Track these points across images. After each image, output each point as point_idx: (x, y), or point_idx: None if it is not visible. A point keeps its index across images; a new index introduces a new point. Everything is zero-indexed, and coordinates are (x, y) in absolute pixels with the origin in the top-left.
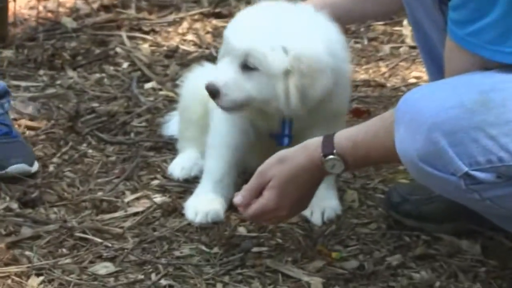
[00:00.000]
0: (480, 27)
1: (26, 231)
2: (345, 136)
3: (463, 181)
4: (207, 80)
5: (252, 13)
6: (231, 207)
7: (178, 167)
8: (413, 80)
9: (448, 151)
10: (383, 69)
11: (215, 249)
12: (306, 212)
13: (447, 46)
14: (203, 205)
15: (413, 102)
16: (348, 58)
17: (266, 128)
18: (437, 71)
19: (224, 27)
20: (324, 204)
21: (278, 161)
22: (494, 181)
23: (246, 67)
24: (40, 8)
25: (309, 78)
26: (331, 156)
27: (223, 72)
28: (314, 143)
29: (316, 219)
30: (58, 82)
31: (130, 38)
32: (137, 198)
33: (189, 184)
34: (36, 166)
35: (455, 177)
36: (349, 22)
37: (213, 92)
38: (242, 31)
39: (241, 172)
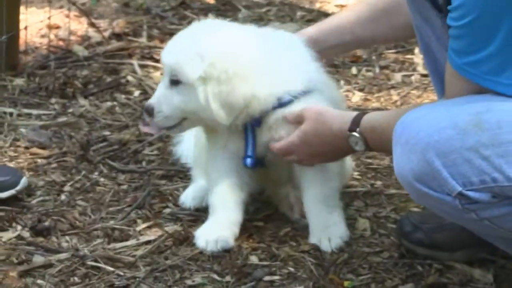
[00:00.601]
0: (477, 59)
1: (38, 260)
2: (369, 117)
3: (459, 201)
4: (147, 102)
5: (181, 32)
6: (242, 235)
7: (190, 196)
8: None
9: (442, 171)
10: (395, 97)
11: (227, 278)
12: (314, 240)
13: (447, 70)
14: (212, 233)
15: (408, 123)
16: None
17: (235, 150)
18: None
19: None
20: (330, 231)
21: (318, 112)
22: (490, 201)
23: (173, 81)
24: (52, 36)
25: (227, 85)
26: (354, 133)
27: (158, 92)
28: (350, 115)
29: (325, 246)
30: (70, 110)
31: (142, 66)
32: (149, 227)
33: (201, 212)
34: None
35: (450, 197)
36: (357, 47)
37: (149, 111)
38: (168, 48)
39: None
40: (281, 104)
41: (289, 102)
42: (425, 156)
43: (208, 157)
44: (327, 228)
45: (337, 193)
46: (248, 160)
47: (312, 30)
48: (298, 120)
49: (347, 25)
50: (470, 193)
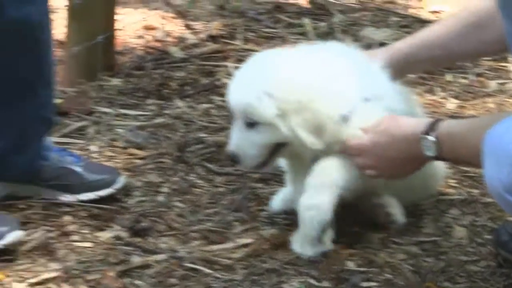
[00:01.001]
0: None
1: (136, 260)
2: (448, 124)
3: None
4: (227, 150)
5: (242, 70)
6: (339, 241)
7: (279, 200)
8: None
9: None
10: (490, 105)
11: (324, 283)
12: (387, 202)
13: None
14: (310, 238)
15: (498, 136)
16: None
17: None
18: None
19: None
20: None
21: (393, 116)
22: None
23: (249, 124)
24: (148, 37)
25: (308, 113)
26: (428, 137)
27: (234, 138)
28: (426, 120)
29: (395, 211)
30: (166, 111)
31: (237, 69)
32: (246, 230)
33: (296, 216)
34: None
35: None
36: (448, 62)
37: (235, 159)
38: (233, 90)
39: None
40: (344, 119)
41: (348, 116)
42: None
43: (294, 183)
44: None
45: None
46: None
47: (403, 44)
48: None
49: (437, 40)
50: None
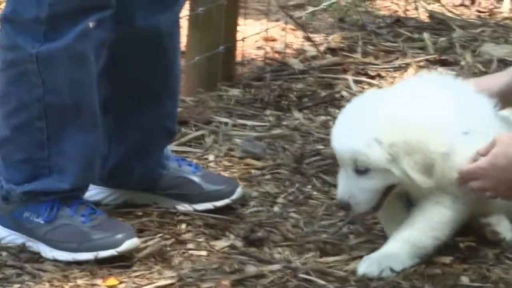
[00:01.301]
0: None
1: (250, 270)
2: None
3: None
4: (337, 199)
5: (344, 117)
6: (454, 255)
7: None
8: None
9: None
10: None
11: None
12: (494, 220)
13: None
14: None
15: None
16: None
17: None
18: None
19: (449, 74)
20: (509, 224)
21: (508, 136)
22: None
23: (359, 170)
24: (268, 48)
25: (417, 154)
26: None
27: (344, 185)
28: None
29: (502, 229)
30: (284, 122)
31: (356, 82)
32: (361, 242)
33: None
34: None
35: None
36: None
37: (345, 207)
38: (339, 138)
39: None
40: (445, 156)
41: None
42: None
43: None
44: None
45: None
46: None
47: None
48: (489, 149)
49: None
50: None
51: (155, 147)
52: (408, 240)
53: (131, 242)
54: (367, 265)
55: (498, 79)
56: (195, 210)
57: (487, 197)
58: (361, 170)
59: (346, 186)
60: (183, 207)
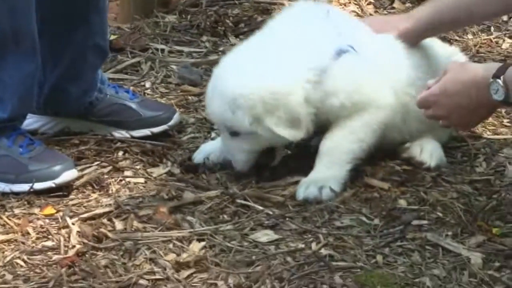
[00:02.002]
0: None
1: (188, 196)
2: None
3: None
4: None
5: (210, 84)
6: (391, 179)
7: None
8: None
9: None
10: None
11: (376, 221)
12: (415, 151)
13: None
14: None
15: None
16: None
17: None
18: None
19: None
20: (433, 149)
21: (461, 63)
22: None
23: (232, 133)
24: None
25: (278, 110)
26: (497, 80)
27: (224, 145)
28: (496, 64)
29: (425, 157)
30: (221, 48)
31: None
32: (299, 167)
33: None
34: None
35: None
36: (469, 24)
37: (229, 165)
38: (209, 107)
39: None
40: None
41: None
42: None
43: None
44: (430, 146)
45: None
46: None
47: (427, 10)
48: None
49: (462, 4)
50: None
51: (89, 67)
52: (333, 152)
53: (69, 174)
54: (305, 188)
55: (406, 22)
56: (132, 137)
57: (441, 126)
58: (234, 132)
59: (224, 146)
60: (120, 133)
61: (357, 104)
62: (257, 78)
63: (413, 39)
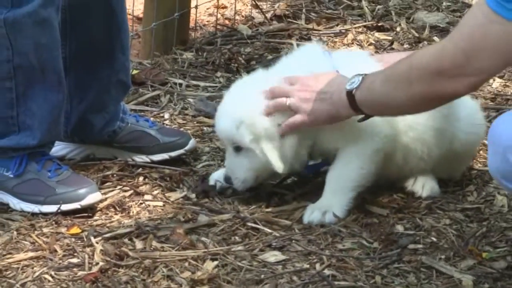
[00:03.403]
0: None
1: (203, 219)
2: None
3: None
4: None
5: (221, 104)
6: (389, 206)
7: None
8: None
9: None
10: None
11: (375, 244)
12: (409, 181)
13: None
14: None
15: (496, 127)
16: None
17: None
18: None
19: (385, 40)
20: (426, 180)
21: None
22: None
23: (236, 148)
24: (218, 15)
25: (276, 137)
26: (360, 76)
27: (227, 162)
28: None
29: (417, 188)
30: None
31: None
32: (305, 193)
33: None
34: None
35: None
36: None
37: (228, 181)
38: (218, 124)
39: None
40: None
41: None
42: (505, 156)
43: None
44: (424, 178)
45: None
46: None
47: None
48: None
49: None
50: None
51: (112, 100)
52: (337, 180)
53: (93, 196)
54: (310, 213)
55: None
56: (152, 161)
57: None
58: (237, 147)
59: (228, 162)
60: (141, 158)
61: (348, 134)
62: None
63: None
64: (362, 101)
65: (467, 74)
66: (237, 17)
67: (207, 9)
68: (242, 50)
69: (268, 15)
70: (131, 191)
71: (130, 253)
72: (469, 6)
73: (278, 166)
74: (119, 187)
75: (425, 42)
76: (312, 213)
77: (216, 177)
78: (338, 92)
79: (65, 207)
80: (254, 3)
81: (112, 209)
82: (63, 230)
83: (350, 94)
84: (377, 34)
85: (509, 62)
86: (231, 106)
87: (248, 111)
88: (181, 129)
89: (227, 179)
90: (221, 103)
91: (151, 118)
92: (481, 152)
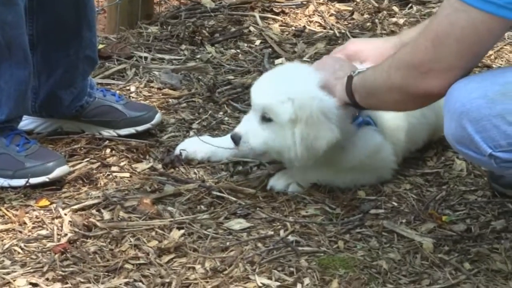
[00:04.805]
0: None
1: (169, 189)
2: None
3: (493, 160)
4: (233, 130)
5: (269, 75)
6: None
7: None
8: None
9: (474, 136)
10: (489, 52)
11: (337, 210)
12: None
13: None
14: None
15: (451, 93)
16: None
17: None
18: None
19: (346, 10)
20: None
21: None
22: None
23: (264, 118)
24: None
25: (313, 128)
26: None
27: (246, 123)
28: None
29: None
30: (198, 56)
31: (262, 18)
32: (269, 162)
33: None
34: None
35: (486, 157)
36: None
37: (235, 139)
38: (260, 90)
39: None
40: None
41: None
42: (461, 123)
43: None
44: None
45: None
46: None
47: (389, 44)
48: None
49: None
50: (500, 154)
51: (80, 76)
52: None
53: (62, 170)
54: (276, 179)
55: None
56: (119, 135)
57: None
58: (266, 119)
59: (247, 125)
60: (108, 132)
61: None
62: (319, 94)
63: None
64: (356, 85)
65: (438, 69)
66: None
67: None
68: (206, 23)
69: None
70: (99, 163)
71: (98, 224)
72: None
73: (303, 157)
74: (86, 159)
75: (385, 12)
76: (278, 180)
77: (182, 147)
78: (345, 73)
79: (34, 180)
80: None
81: (80, 181)
82: (32, 202)
83: (350, 77)
84: (337, 5)
85: (479, 55)
86: (284, 80)
87: (300, 92)
88: (147, 101)
89: (236, 137)
90: (269, 73)
91: (118, 92)
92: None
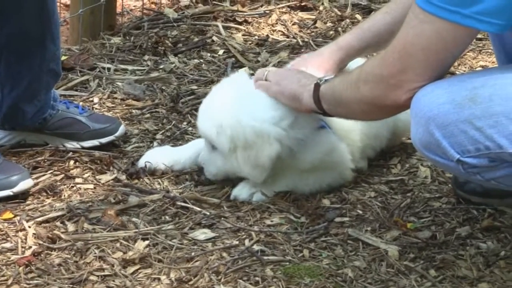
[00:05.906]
0: None
1: (133, 200)
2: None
3: (461, 166)
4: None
5: (207, 101)
6: None
7: None
8: (479, 69)
9: (442, 141)
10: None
11: (302, 219)
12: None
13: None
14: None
15: (418, 99)
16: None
17: None
18: (506, 60)
19: (309, 19)
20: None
21: None
22: (489, 165)
23: (213, 147)
24: (145, 0)
25: (252, 150)
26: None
27: (204, 151)
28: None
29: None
30: (161, 66)
31: (225, 28)
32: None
33: None
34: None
35: (453, 163)
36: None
37: (200, 169)
38: (201, 120)
39: None
40: None
41: None
42: (428, 128)
43: None
44: None
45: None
46: None
47: (352, 37)
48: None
49: (384, 27)
50: (468, 160)
51: (43, 89)
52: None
53: (25, 183)
54: (239, 189)
55: (336, 53)
56: (82, 147)
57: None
58: (214, 146)
59: (205, 155)
60: (72, 145)
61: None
62: (248, 115)
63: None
64: (323, 93)
65: (406, 80)
66: (163, 1)
67: None
68: (168, 33)
69: None
70: (62, 175)
71: (63, 236)
72: None
73: (254, 176)
74: (50, 171)
75: (347, 21)
76: (242, 190)
77: (146, 158)
78: (311, 80)
79: None
80: None
81: (44, 193)
82: None
83: (317, 84)
84: (300, 14)
85: (446, 64)
86: (218, 110)
87: (233, 120)
88: (110, 112)
89: (200, 167)
90: (208, 97)
91: (81, 103)
92: None
